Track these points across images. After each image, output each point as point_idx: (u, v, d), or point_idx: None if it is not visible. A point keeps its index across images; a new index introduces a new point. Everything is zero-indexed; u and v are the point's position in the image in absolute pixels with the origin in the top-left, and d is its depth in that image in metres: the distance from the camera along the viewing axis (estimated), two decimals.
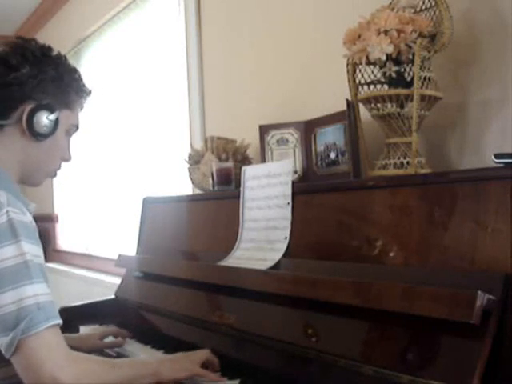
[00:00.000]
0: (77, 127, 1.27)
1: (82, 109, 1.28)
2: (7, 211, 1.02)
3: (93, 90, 1.29)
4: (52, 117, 1.17)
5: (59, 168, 1.28)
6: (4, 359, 1.02)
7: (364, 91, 1.36)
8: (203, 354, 1.22)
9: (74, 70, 1.25)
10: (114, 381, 1.06)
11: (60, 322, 1.02)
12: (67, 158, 1.27)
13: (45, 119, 1.15)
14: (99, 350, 1.50)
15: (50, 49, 1.22)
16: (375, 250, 1.09)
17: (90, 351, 1.40)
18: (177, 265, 1.61)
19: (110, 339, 1.55)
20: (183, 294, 1.54)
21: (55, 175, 1.28)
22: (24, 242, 1.01)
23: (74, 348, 1.34)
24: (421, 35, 1.22)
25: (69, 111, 1.22)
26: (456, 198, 0.98)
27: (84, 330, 1.73)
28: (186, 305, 1.51)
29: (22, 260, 1.00)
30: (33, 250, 1.03)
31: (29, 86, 1.14)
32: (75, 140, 1.33)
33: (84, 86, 1.26)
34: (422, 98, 1.22)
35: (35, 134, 1.16)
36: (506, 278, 0.86)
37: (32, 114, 1.14)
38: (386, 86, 1.32)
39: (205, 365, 1.20)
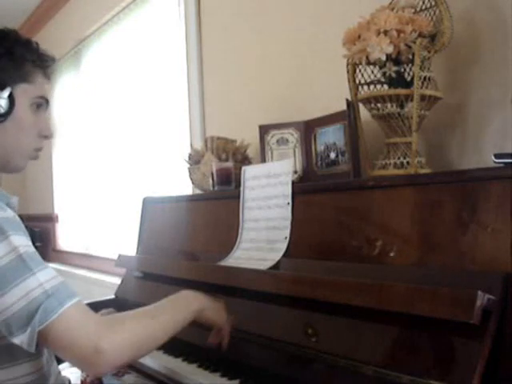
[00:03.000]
0: (45, 99, 1.18)
1: (48, 79, 1.19)
2: None
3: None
4: (3, 94, 1.09)
5: (40, 147, 1.19)
6: (7, 360, 1.01)
7: (364, 91, 1.36)
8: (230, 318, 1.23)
9: (28, 41, 1.16)
10: (158, 331, 1.03)
11: (76, 299, 0.98)
12: (46, 134, 1.18)
13: None
14: None
15: None
16: (375, 250, 1.09)
17: None
18: (177, 265, 1.61)
19: None
20: None
21: (37, 156, 1.19)
22: (13, 235, 0.98)
23: None
24: (421, 35, 1.22)
25: (27, 84, 1.13)
26: (456, 198, 0.98)
27: None
28: None
29: (17, 254, 0.97)
30: (23, 240, 1.00)
31: None
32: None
33: (42, 54, 1.17)
34: (422, 97, 1.22)
35: None
36: (506, 278, 0.86)
37: None
38: (385, 86, 1.32)
39: None
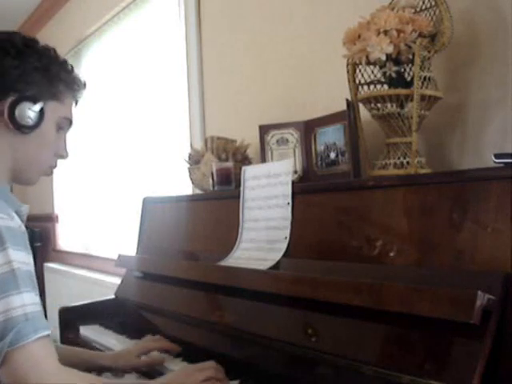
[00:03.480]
0: (70, 121, 1.20)
1: (76, 102, 1.22)
2: None
3: (89, 84, 1.20)
4: (35, 108, 1.11)
5: (55, 165, 1.21)
6: None
7: (364, 91, 1.36)
8: (209, 365, 1.16)
9: (64, 62, 1.19)
10: None
11: (49, 332, 0.97)
12: (62, 155, 1.20)
13: (28, 110, 1.09)
14: (135, 370, 1.34)
15: (34, 41, 1.16)
16: (375, 249, 1.09)
17: (123, 371, 1.32)
18: (177, 265, 1.61)
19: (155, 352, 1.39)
20: (183, 293, 1.54)
21: (51, 173, 1.22)
22: (11, 249, 0.96)
23: (105, 369, 1.30)
24: (421, 35, 1.22)
25: (57, 103, 1.16)
26: (456, 198, 0.98)
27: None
28: (186, 305, 1.51)
29: (9, 269, 0.95)
30: (20, 257, 0.98)
31: (11, 77, 1.09)
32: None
33: (75, 78, 1.19)
34: (422, 97, 1.22)
35: (19, 127, 1.10)
36: (506, 278, 0.86)
37: (14, 105, 1.09)
38: (385, 86, 1.32)
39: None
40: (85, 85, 1.23)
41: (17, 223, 1.02)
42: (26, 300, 0.96)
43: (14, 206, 1.08)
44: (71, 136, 1.24)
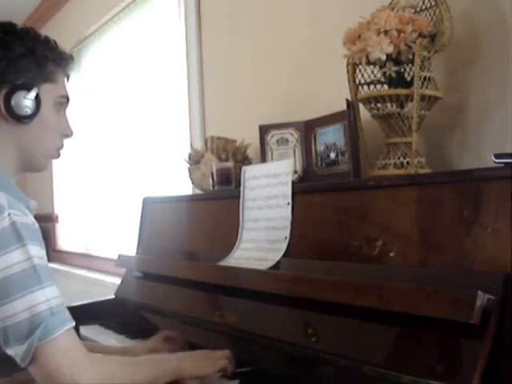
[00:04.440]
0: (67, 98, 1.18)
1: (67, 78, 1.19)
2: (9, 214, 0.97)
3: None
4: (31, 95, 1.08)
5: (61, 146, 1.19)
6: (7, 368, 1.01)
7: (364, 91, 1.36)
8: (223, 354, 1.18)
9: (46, 40, 1.15)
10: (135, 381, 1.04)
11: (73, 323, 0.99)
12: (67, 133, 1.18)
13: (23, 99, 1.07)
14: None
15: (11, 25, 1.12)
16: (375, 249, 1.09)
17: None
18: (177, 265, 1.61)
19: None
20: (183, 293, 1.54)
21: (59, 155, 1.19)
22: (30, 245, 0.97)
23: None
24: (421, 35, 1.22)
25: (50, 84, 1.12)
26: (456, 198, 0.98)
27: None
28: (186, 305, 1.51)
29: (31, 265, 0.96)
30: (38, 252, 0.99)
31: None
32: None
33: (62, 53, 1.16)
34: (422, 97, 1.22)
35: (19, 118, 1.08)
36: (506, 278, 0.86)
37: (8, 97, 1.07)
38: (385, 86, 1.32)
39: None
40: (72, 57, 1.20)
41: (31, 219, 1.03)
42: (49, 294, 0.97)
43: (24, 202, 1.07)
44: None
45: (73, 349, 0.97)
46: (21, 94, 1.07)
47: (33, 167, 1.16)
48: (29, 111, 1.09)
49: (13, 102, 1.07)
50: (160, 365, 1.11)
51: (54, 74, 1.14)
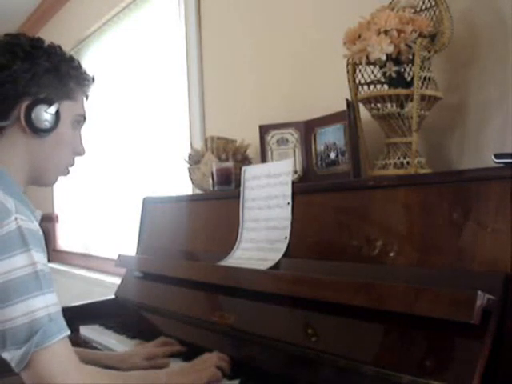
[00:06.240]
0: (84, 117, 1.20)
1: (87, 98, 1.21)
2: (16, 218, 0.98)
3: (96, 78, 1.22)
4: (51, 110, 1.10)
5: (72, 163, 1.21)
6: (6, 369, 1.01)
7: (364, 91, 1.36)
8: (212, 361, 1.19)
9: (71, 59, 1.17)
10: None
11: (69, 332, 1.00)
12: (80, 152, 1.20)
13: (44, 113, 1.09)
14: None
15: (40, 40, 1.14)
16: (375, 249, 1.09)
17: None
18: (177, 265, 1.61)
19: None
20: (183, 293, 1.54)
21: (68, 172, 1.21)
22: (34, 251, 0.98)
23: (112, 368, 1.30)
24: (421, 35, 1.22)
25: (70, 102, 1.15)
26: (456, 198, 0.98)
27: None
28: (186, 305, 1.51)
29: (33, 270, 0.97)
30: (41, 258, 1.00)
31: (22, 81, 1.08)
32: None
33: (84, 73, 1.19)
34: (422, 97, 1.22)
35: (36, 131, 1.09)
36: (506, 278, 0.86)
37: (29, 109, 1.09)
38: (385, 86, 1.32)
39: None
40: (93, 79, 1.22)
41: (36, 226, 1.03)
42: (49, 301, 0.98)
43: (31, 211, 1.08)
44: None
45: (67, 359, 0.98)
46: (42, 107, 1.09)
47: (41, 181, 1.17)
48: (48, 125, 1.11)
49: (33, 115, 1.09)
50: (149, 380, 1.13)
51: (74, 92, 1.16)
